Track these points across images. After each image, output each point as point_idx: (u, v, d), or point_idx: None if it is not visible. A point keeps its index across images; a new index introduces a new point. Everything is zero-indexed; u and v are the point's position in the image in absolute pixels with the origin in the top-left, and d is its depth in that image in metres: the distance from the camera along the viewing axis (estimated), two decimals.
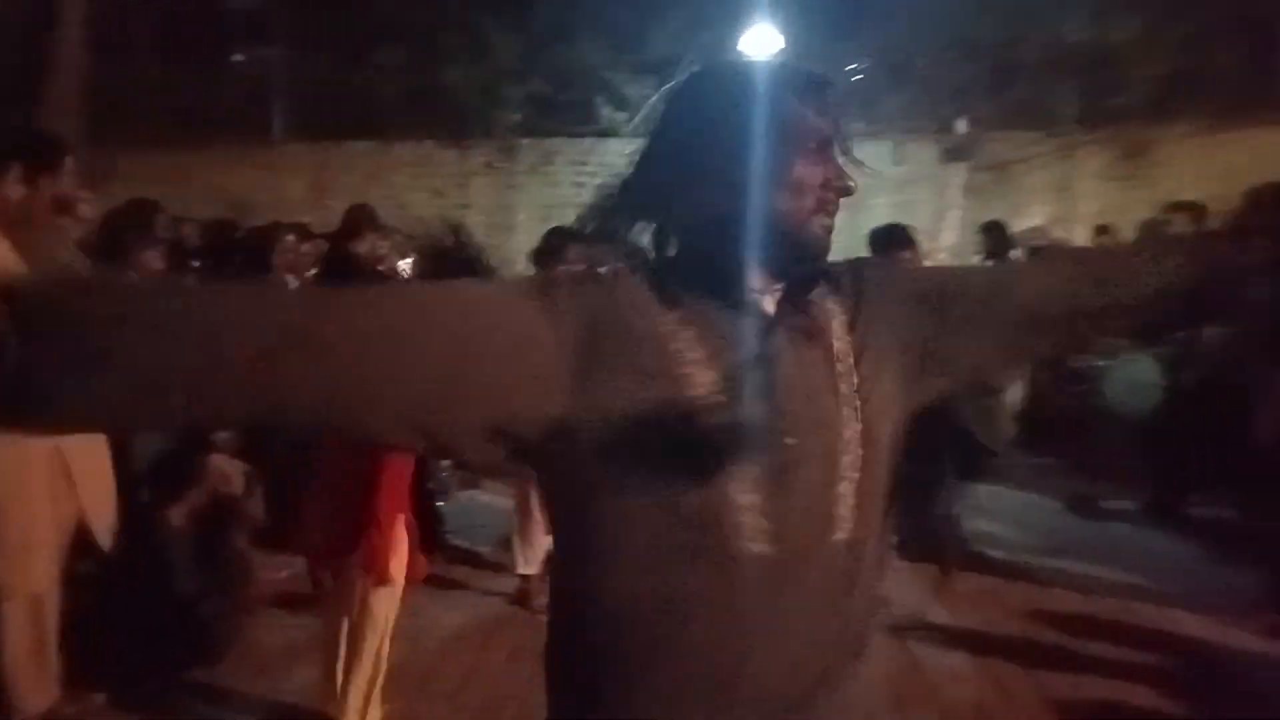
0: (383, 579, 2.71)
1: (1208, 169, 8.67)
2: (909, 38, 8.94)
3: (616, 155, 9.87)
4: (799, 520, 0.99)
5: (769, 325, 1.03)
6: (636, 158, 1.10)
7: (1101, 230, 7.57)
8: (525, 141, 9.55)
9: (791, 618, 0.99)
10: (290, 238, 5.03)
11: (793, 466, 0.99)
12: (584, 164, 9.60)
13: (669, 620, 0.97)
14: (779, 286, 1.06)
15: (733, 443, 0.96)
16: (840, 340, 1.07)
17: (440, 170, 9.85)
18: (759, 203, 1.01)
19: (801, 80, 1.05)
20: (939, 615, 3.99)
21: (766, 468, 0.97)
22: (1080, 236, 7.59)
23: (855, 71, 8.89)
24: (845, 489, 1.02)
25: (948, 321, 1.11)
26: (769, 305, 1.05)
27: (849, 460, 1.02)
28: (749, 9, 8.92)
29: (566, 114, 9.20)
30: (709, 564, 0.97)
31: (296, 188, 9.62)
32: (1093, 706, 3.17)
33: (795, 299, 1.06)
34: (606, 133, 9.49)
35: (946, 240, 8.04)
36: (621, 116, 9.36)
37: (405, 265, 4.29)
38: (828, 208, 1.05)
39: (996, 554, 4.70)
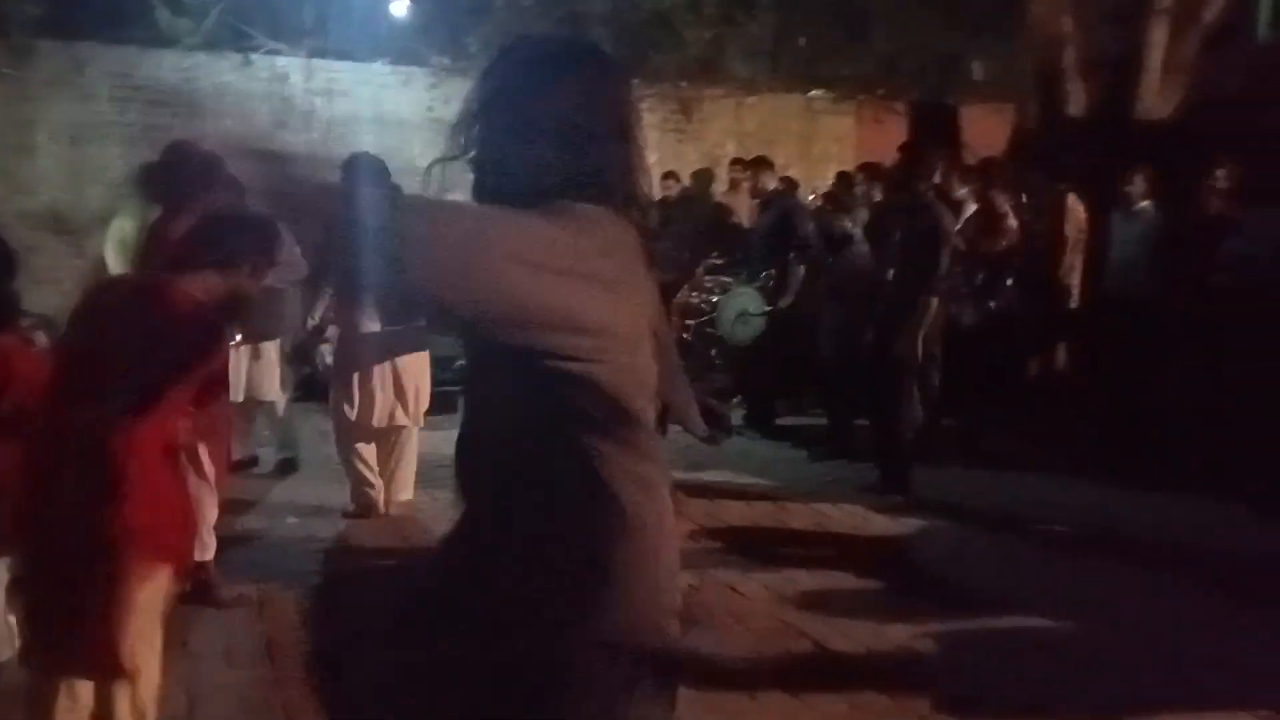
0: None
1: (738, 127, 10.16)
2: None
3: (173, 70, 8.77)
4: None
5: None
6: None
7: (668, 175, 8.50)
8: (46, 44, 7.86)
9: None
10: None
11: None
12: (127, 76, 8.19)
13: None
14: None
15: None
16: None
17: None
18: None
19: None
20: None
21: None
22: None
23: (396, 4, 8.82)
24: None
25: None
26: None
27: None
28: None
29: (106, 14, 7.72)
30: None
31: None
32: (807, 593, 3.81)
33: None
34: (161, 42, 8.19)
35: None
36: (183, 24, 8.12)
37: None
38: None
39: None
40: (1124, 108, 7.88)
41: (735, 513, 4.89)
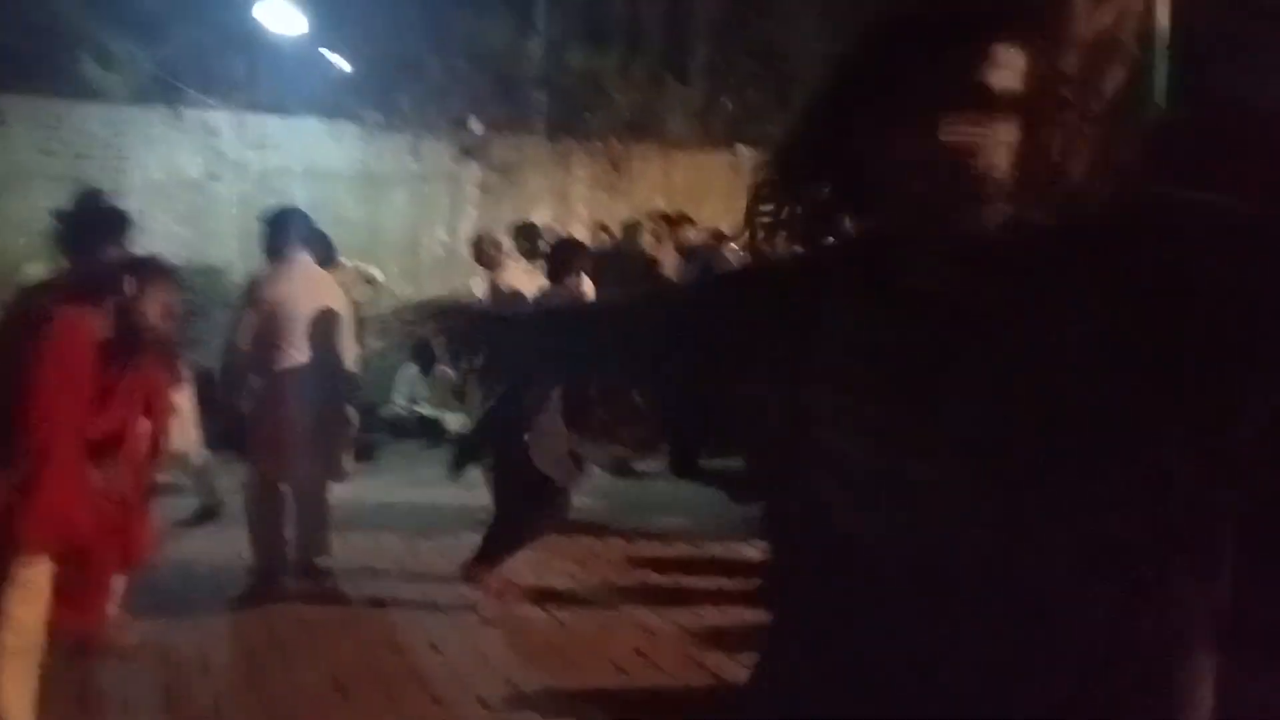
0: None
1: (667, 182, 10.42)
2: (419, 36, 9.20)
3: (101, 123, 8.76)
4: None
5: None
6: None
7: (602, 228, 8.70)
8: None
9: None
10: None
11: None
12: (54, 129, 8.15)
13: None
14: None
15: None
16: None
17: None
18: None
19: None
20: (563, 581, 4.48)
21: None
22: (580, 234, 8.59)
23: (329, 60, 8.95)
24: None
25: None
26: None
27: None
28: None
29: (32, 66, 7.70)
30: None
31: None
32: (718, 631, 3.88)
33: None
34: (90, 95, 8.17)
35: (466, 233, 8.47)
36: (112, 78, 8.14)
37: None
38: None
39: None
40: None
41: (653, 552, 4.95)
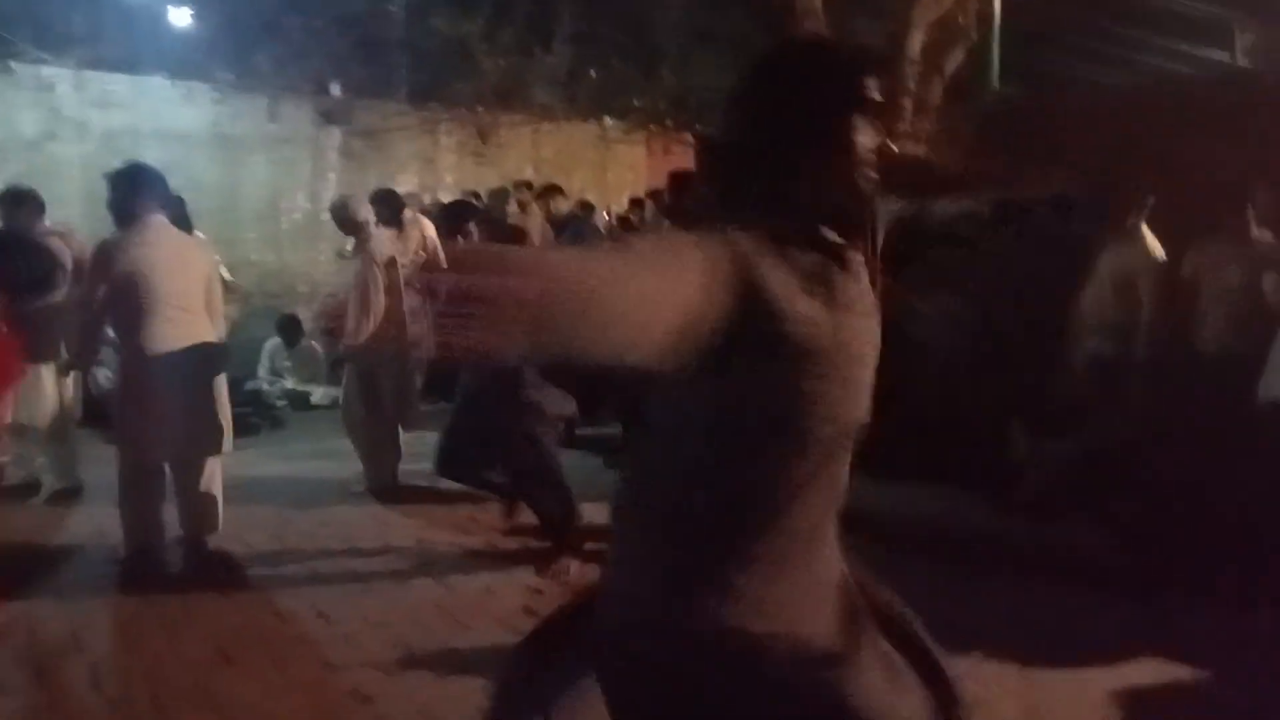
0: None
1: (535, 153, 10.45)
2: None
3: None
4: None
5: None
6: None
7: (471, 195, 8.65)
8: None
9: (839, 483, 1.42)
10: None
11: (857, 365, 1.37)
12: None
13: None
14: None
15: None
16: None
17: None
18: None
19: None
20: (447, 547, 4.56)
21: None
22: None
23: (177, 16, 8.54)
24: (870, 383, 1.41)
25: None
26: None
27: (873, 361, 1.42)
28: None
29: None
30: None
31: None
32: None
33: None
34: None
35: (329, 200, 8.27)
36: None
37: None
38: None
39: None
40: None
41: (533, 517, 5.06)
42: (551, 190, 8.29)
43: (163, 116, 8.45)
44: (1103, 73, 11.18)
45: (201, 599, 3.92)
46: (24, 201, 5.30)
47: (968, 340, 5.37)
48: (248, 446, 6.53)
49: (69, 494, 5.22)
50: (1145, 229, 4.77)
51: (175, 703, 3.06)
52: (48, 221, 5.43)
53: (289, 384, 8.01)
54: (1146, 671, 3.28)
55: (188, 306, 4.28)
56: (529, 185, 8.84)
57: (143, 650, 3.43)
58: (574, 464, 6.27)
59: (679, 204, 5.66)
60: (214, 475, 4.45)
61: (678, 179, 6.00)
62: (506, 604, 3.89)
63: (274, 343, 8.12)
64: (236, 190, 8.76)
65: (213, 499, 4.44)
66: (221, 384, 4.47)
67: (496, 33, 10.20)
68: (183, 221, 5.47)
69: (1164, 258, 4.71)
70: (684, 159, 10.14)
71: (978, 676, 3.16)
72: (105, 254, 4.22)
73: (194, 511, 4.38)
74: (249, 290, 7.61)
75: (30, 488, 5.23)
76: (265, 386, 7.91)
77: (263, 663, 3.34)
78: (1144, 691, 3.18)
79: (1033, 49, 10.58)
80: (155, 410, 4.18)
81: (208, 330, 4.38)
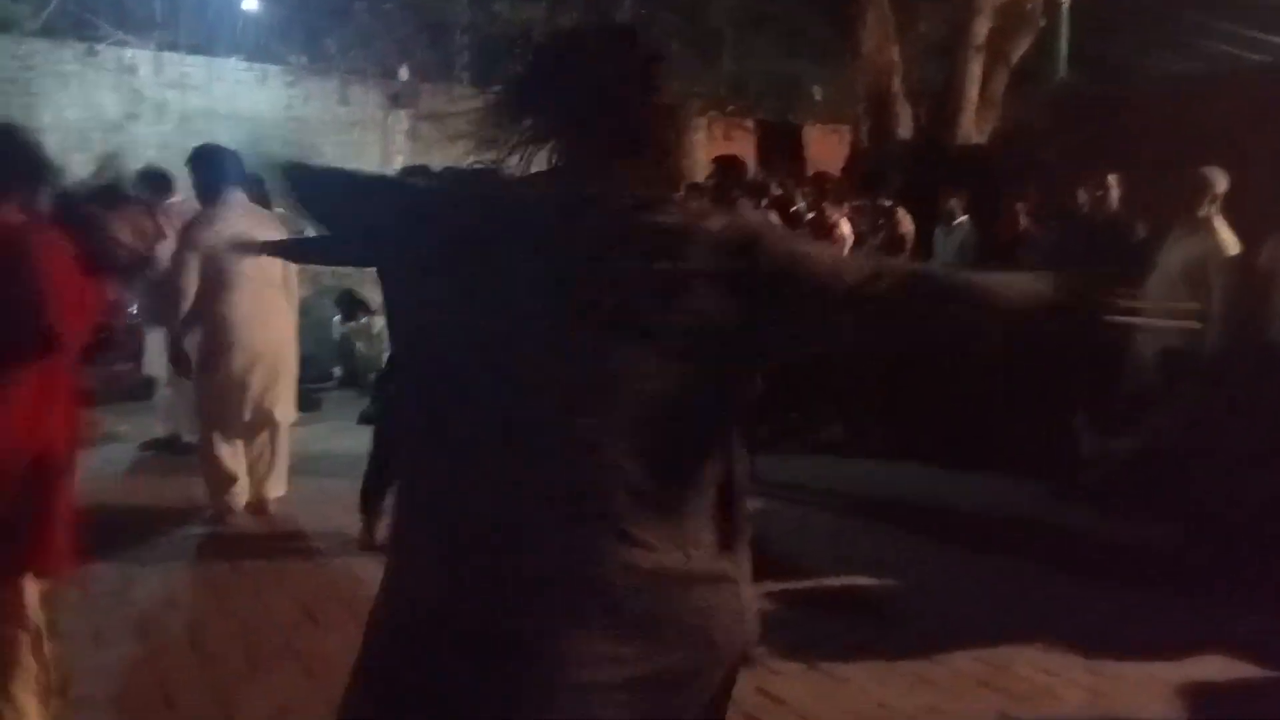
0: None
1: None
2: None
3: (9, 57, 8.57)
4: None
5: None
6: None
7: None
8: None
9: None
10: None
11: None
12: None
13: None
14: None
15: None
16: None
17: None
18: None
19: None
20: None
21: None
22: None
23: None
24: None
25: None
26: None
27: None
28: None
29: None
30: None
31: None
32: None
33: None
34: None
35: None
36: (22, 9, 7.79)
37: None
38: None
39: None
40: (945, 133, 8.69)
41: None
42: None
43: (238, 98, 8.69)
44: (1173, 60, 10.95)
45: (287, 563, 4.10)
46: (156, 179, 5.67)
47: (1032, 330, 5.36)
48: (314, 421, 6.75)
49: (168, 444, 5.61)
50: (1218, 220, 4.71)
51: (265, 658, 3.23)
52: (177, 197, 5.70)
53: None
54: (1211, 667, 3.28)
55: (266, 280, 4.50)
56: None
57: (233, 607, 3.62)
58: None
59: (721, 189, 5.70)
60: (282, 441, 4.72)
61: (722, 163, 6.06)
62: None
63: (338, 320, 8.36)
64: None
65: (282, 463, 4.73)
66: (292, 355, 4.70)
67: (558, 17, 10.30)
68: (263, 200, 5.68)
69: (1237, 249, 4.65)
70: (744, 144, 10.16)
71: (1042, 665, 3.23)
72: (191, 229, 4.46)
73: (264, 475, 4.66)
74: (318, 269, 7.82)
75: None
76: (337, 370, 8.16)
77: (344, 620, 3.50)
78: (1208, 686, 3.19)
79: (1102, 36, 10.41)
80: (234, 377, 4.43)
81: (282, 303, 4.65)
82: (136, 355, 5.99)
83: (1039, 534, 4.66)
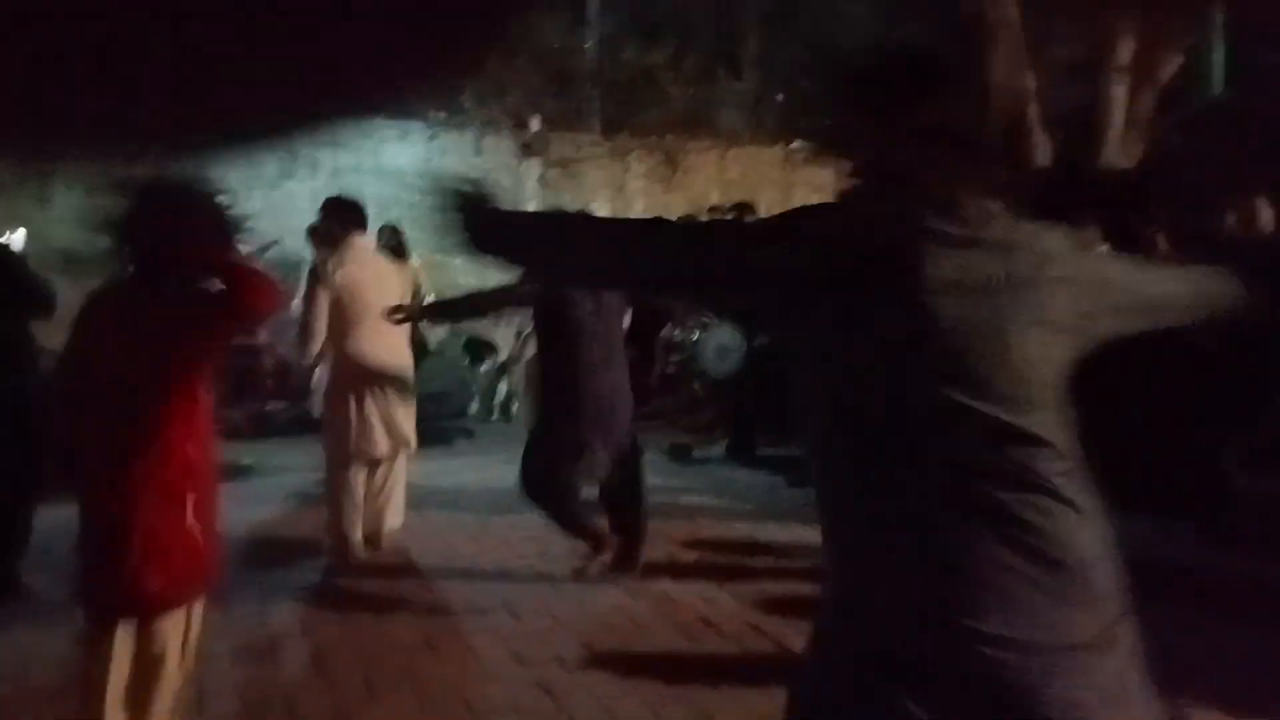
0: None
1: (721, 176, 10.62)
2: None
3: None
4: None
5: None
6: None
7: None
8: None
9: None
10: None
11: None
12: None
13: None
14: None
15: None
16: None
17: None
18: None
19: None
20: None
21: None
22: None
23: None
24: None
25: None
26: None
27: None
28: None
29: None
30: None
31: None
32: (779, 601, 4.09)
33: None
34: None
35: None
36: None
37: None
38: None
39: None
40: (1086, 159, 8.31)
41: (713, 532, 5.18)
42: (741, 207, 8.38)
43: (382, 153, 9.25)
44: None
45: (408, 592, 4.28)
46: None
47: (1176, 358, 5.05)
48: (443, 456, 7.02)
49: None
50: None
51: (384, 683, 3.37)
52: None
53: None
54: None
55: (389, 324, 4.74)
56: (719, 207, 8.99)
57: (358, 636, 3.79)
58: (754, 482, 6.38)
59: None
60: (400, 474, 4.91)
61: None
62: (684, 613, 4.01)
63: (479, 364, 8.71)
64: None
65: (400, 495, 4.92)
66: (412, 391, 4.89)
67: (683, 61, 10.51)
68: (399, 249, 6.05)
69: None
70: None
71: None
72: (321, 268, 4.75)
73: (383, 506, 4.82)
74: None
75: None
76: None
77: (460, 651, 3.62)
78: None
79: (1263, 47, 9.74)
80: (360, 412, 4.64)
81: (404, 342, 4.88)
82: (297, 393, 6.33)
83: (1184, 577, 4.35)
